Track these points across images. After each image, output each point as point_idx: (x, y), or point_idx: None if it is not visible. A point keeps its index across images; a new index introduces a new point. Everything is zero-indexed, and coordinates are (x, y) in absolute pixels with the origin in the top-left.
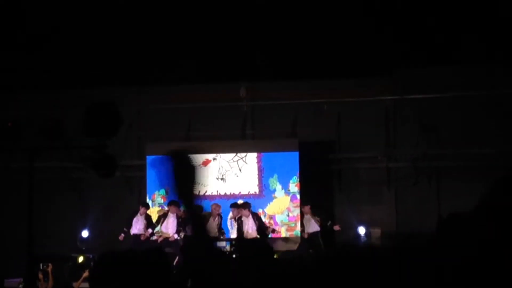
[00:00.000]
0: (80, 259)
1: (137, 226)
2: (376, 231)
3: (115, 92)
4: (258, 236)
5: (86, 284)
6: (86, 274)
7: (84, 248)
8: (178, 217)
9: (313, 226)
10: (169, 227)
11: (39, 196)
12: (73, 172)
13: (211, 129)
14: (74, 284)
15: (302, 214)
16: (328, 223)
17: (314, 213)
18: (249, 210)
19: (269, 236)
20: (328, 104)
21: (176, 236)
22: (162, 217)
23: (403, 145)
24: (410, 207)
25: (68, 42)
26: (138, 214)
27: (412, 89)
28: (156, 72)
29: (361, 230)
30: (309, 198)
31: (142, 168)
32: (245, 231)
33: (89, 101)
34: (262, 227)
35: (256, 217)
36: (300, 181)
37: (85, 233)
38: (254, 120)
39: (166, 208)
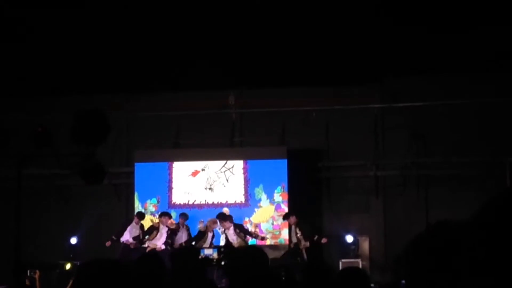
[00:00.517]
0: (68, 266)
1: (130, 235)
2: (364, 239)
3: (103, 99)
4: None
5: None
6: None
7: (71, 255)
8: (168, 229)
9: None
10: (160, 239)
11: (27, 203)
12: (61, 180)
13: (199, 137)
14: None
15: (289, 224)
16: (315, 238)
17: (298, 227)
18: (230, 222)
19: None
20: (316, 112)
21: (163, 246)
22: (154, 230)
23: (392, 153)
24: (398, 215)
25: (57, 49)
26: (133, 223)
27: (400, 97)
28: (144, 80)
29: (349, 239)
30: (297, 206)
31: (130, 176)
32: (231, 241)
33: (78, 108)
34: (245, 234)
35: (238, 228)
36: (288, 189)
37: (73, 240)
38: (243, 128)
39: (157, 220)
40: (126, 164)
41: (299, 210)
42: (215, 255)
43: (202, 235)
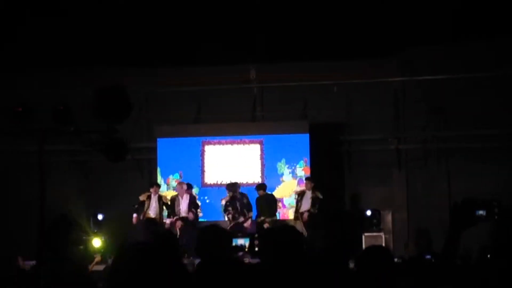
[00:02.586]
0: (94, 242)
1: (153, 210)
2: (387, 213)
3: (125, 74)
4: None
5: (99, 267)
6: (98, 258)
7: (95, 231)
8: (190, 197)
9: (307, 205)
10: (183, 207)
11: (49, 179)
12: (83, 155)
13: (220, 111)
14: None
15: (302, 193)
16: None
17: (314, 192)
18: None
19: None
20: (337, 85)
21: (191, 215)
22: (176, 199)
23: (413, 126)
24: (420, 188)
25: (78, 23)
26: (152, 195)
27: (421, 70)
28: (165, 54)
29: (369, 212)
30: (319, 181)
31: (152, 151)
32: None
33: (99, 83)
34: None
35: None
36: (311, 164)
37: (99, 217)
38: (264, 102)
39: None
40: (148, 139)
41: (321, 184)
42: (247, 245)
43: None
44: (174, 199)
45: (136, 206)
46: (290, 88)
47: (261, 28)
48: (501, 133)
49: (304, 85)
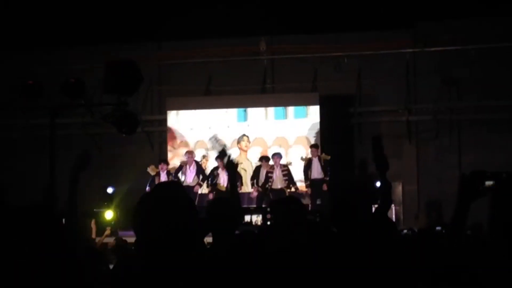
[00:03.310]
0: (107, 214)
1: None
2: (397, 184)
3: (135, 48)
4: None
5: (109, 240)
6: (108, 231)
7: (106, 203)
8: (198, 166)
9: (317, 172)
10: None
11: (60, 152)
12: (94, 128)
13: (231, 83)
14: (97, 240)
15: (309, 161)
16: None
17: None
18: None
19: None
20: (348, 57)
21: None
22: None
23: (424, 98)
24: (431, 160)
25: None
26: (160, 172)
27: (432, 41)
28: (176, 27)
29: (378, 184)
30: (330, 152)
31: (163, 123)
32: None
33: (109, 57)
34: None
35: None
36: (321, 135)
37: (109, 190)
38: (274, 74)
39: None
40: (158, 112)
41: (332, 156)
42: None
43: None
44: (180, 168)
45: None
46: (300, 60)
47: (271, 0)
48: (511, 105)
49: (314, 57)
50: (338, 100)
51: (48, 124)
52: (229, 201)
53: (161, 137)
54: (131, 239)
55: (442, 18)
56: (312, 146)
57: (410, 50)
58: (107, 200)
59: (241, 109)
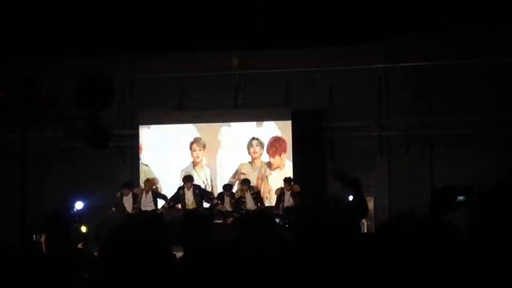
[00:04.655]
0: (83, 229)
1: (128, 206)
2: (369, 199)
3: (106, 61)
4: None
5: None
6: (81, 246)
7: (77, 218)
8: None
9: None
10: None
11: (31, 166)
12: (65, 142)
13: (203, 98)
14: None
15: (282, 192)
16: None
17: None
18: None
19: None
20: (320, 72)
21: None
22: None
23: (396, 113)
24: (402, 175)
25: (59, 10)
26: (124, 196)
27: (404, 57)
28: (147, 41)
29: (351, 198)
30: (301, 167)
31: (135, 138)
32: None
33: (81, 70)
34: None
35: (197, 189)
36: (293, 150)
37: (79, 204)
38: (247, 89)
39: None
40: (130, 126)
41: (303, 172)
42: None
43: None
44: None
45: (113, 209)
46: (272, 75)
47: (243, 15)
48: (483, 120)
49: (287, 72)
50: (310, 115)
51: (19, 138)
52: (201, 215)
53: (133, 151)
54: None
55: (413, 34)
56: (285, 181)
57: (382, 65)
58: (77, 215)
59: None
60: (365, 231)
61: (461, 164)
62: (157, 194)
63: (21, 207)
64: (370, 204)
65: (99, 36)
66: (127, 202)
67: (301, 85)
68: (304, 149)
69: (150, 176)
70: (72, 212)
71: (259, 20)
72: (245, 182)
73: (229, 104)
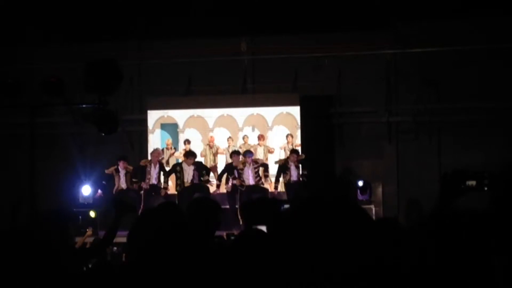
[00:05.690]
0: (90, 214)
1: (123, 184)
2: (377, 185)
3: (114, 47)
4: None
5: (89, 240)
6: (89, 232)
7: (86, 203)
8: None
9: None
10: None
11: (40, 151)
12: (73, 128)
13: (211, 83)
14: (77, 240)
15: (286, 163)
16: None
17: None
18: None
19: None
20: (329, 58)
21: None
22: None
23: (404, 99)
24: (411, 161)
25: None
26: (119, 168)
27: (413, 43)
28: (156, 26)
29: (360, 184)
30: (310, 153)
31: (143, 123)
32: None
33: (90, 56)
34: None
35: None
36: (301, 136)
37: (87, 189)
38: (255, 75)
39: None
40: (139, 111)
41: (312, 157)
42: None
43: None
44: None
45: (104, 182)
46: (281, 61)
47: (252, 0)
48: (492, 106)
49: (295, 58)
50: (318, 100)
51: (28, 123)
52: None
53: (141, 136)
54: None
55: (422, 19)
56: (293, 152)
57: (391, 51)
58: (85, 200)
59: None
60: (373, 217)
61: (470, 150)
62: (162, 167)
63: (30, 192)
64: (379, 190)
65: (107, 22)
66: (124, 177)
67: (309, 71)
68: (312, 135)
69: None
70: (70, 210)
71: (268, 5)
72: (248, 152)
73: (237, 89)
